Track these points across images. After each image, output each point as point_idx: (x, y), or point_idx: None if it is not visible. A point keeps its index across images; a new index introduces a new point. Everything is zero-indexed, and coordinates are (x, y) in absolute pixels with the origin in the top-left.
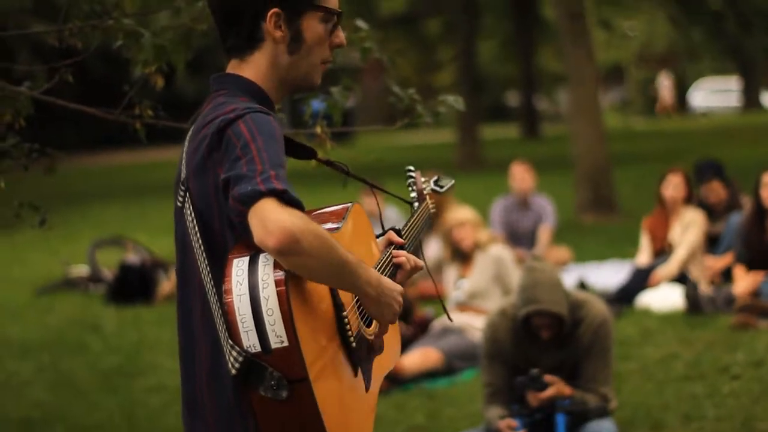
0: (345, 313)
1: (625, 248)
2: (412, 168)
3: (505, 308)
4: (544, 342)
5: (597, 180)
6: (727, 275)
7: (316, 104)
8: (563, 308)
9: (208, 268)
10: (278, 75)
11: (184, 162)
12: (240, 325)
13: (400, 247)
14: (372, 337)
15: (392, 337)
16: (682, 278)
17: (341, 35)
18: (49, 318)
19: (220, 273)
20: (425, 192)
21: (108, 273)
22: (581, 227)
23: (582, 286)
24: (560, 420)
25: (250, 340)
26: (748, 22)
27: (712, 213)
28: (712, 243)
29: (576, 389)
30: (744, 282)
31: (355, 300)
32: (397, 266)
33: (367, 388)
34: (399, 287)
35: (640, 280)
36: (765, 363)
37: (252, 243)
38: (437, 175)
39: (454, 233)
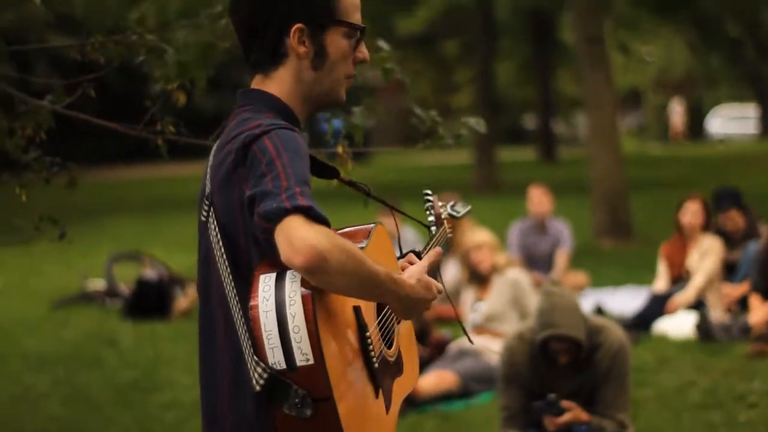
0: (368, 333)
1: (641, 274)
2: (429, 192)
3: (522, 332)
4: (561, 367)
5: (614, 204)
6: (743, 303)
7: (336, 123)
8: (581, 333)
9: (232, 282)
10: (303, 91)
11: (208, 177)
12: (266, 341)
13: None
14: (392, 359)
15: (411, 359)
16: (699, 305)
17: (365, 50)
18: (66, 332)
19: (244, 288)
20: (443, 216)
21: (125, 288)
22: (598, 252)
23: (599, 311)
24: None
25: (275, 357)
26: (766, 49)
27: (730, 241)
28: (729, 271)
29: (593, 415)
30: (760, 311)
31: (377, 321)
32: None
33: (387, 410)
34: (433, 282)
35: (657, 306)
36: None
37: (278, 260)
38: (454, 200)
39: (472, 256)
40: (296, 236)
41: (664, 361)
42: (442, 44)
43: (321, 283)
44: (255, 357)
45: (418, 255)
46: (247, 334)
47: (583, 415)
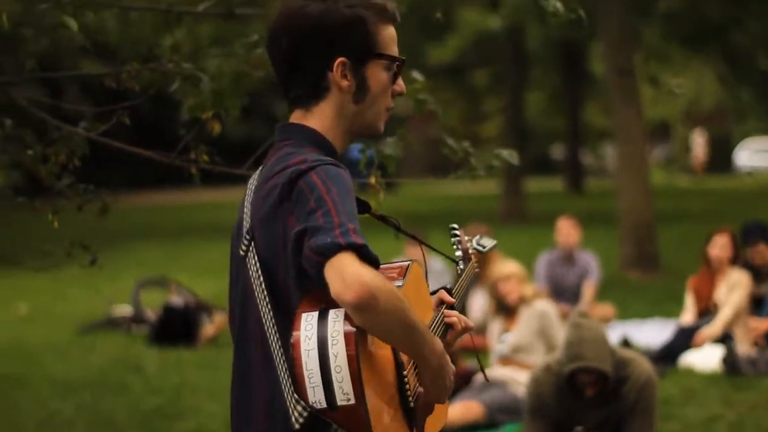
0: (405, 372)
1: (668, 307)
2: (456, 226)
3: (549, 364)
4: (588, 399)
5: (641, 237)
6: None
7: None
8: (608, 365)
9: (271, 316)
10: (343, 124)
11: (248, 211)
12: (307, 380)
13: (450, 306)
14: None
15: None
16: (725, 339)
17: (402, 83)
18: (92, 357)
19: (283, 323)
20: (470, 251)
21: (151, 314)
22: (625, 284)
23: (625, 343)
24: None
25: (316, 396)
26: None
27: (758, 274)
28: (757, 305)
29: None
30: None
31: (412, 360)
32: (448, 326)
33: None
34: (453, 368)
35: (684, 339)
36: None
37: (321, 296)
38: (481, 233)
39: (500, 287)
40: (349, 272)
41: (690, 394)
42: (472, 74)
43: (367, 321)
44: (295, 395)
45: (449, 291)
46: (287, 371)
47: None
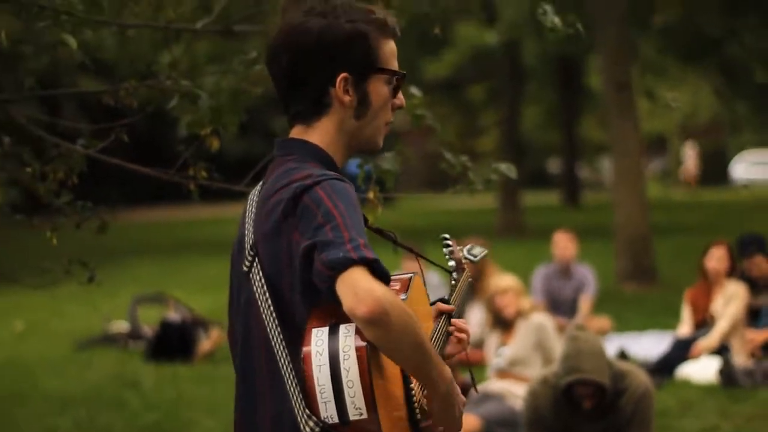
0: (412, 384)
1: (665, 319)
2: (447, 236)
3: (546, 377)
4: (585, 411)
5: (638, 250)
6: (767, 349)
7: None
8: (606, 378)
9: (279, 333)
10: (344, 140)
11: (250, 227)
12: (318, 395)
13: (450, 313)
14: (428, 408)
15: None
16: (722, 351)
17: (401, 97)
18: (88, 373)
19: (290, 337)
20: (463, 261)
21: (148, 330)
22: (621, 297)
23: (622, 356)
24: None
25: (328, 411)
26: None
27: (755, 286)
28: (753, 316)
29: None
30: None
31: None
32: (449, 335)
33: None
34: (463, 399)
35: (681, 351)
36: None
37: (331, 311)
38: (470, 243)
39: (497, 300)
40: (361, 287)
41: (687, 406)
42: (469, 89)
43: (378, 337)
44: (307, 410)
45: (447, 302)
46: (298, 385)
47: None
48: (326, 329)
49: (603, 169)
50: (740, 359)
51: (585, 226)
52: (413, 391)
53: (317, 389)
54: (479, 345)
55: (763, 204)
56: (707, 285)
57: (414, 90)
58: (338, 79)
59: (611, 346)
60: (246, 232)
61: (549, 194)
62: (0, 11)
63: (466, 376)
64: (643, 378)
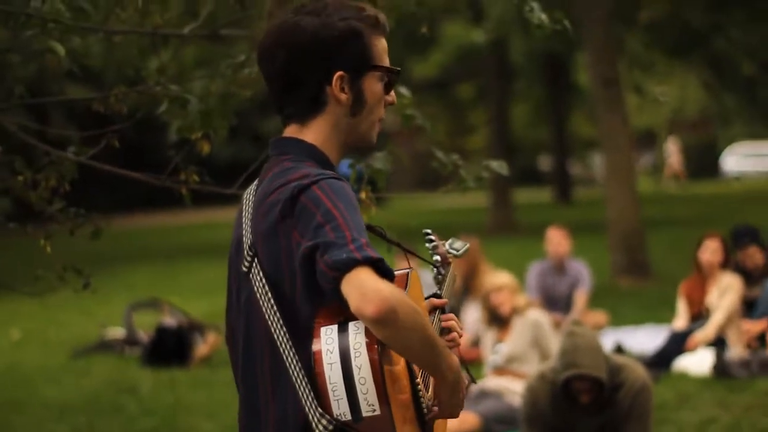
0: (418, 380)
1: (660, 312)
2: (430, 231)
3: (544, 372)
4: (583, 406)
5: (631, 244)
6: (763, 339)
7: (347, 168)
8: (603, 372)
9: (285, 332)
10: (339, 138)
11: (248, 227)
12: (330, 393)
13: (443, 308)
14: (431, 403)
15: None
16: (718, 342)
17: (393, 93)
18: (85, 380)
19: (296, 336)
20: (448, 256)
21: (144, 335)
22: (616, 291)
23: (619, 350)
24: None
25: (340, 409)
26: None
27: (749, 278)
28: (748, 307)
29: None
30: None
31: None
32: (445, 330)
33: None
34: (465, 381)
35: (677, 344)
36: None
37: (338, 310)
38: (451, 238)
39: (493, 298)
40: (368, 286)
41: (684, 398)
42: (457, 88)
43: (387, 335)
44: (319, 409)
45: (438, 297)
46: (307, 385)
47: None
48: (335, 327)
49: (594, 165)
50: (737, 350)
51: (577, 222)
52: (419, 387)
53: (329, 387)
54: (475, 343)
55: (754, 195)
56: (702, 277)
57: (403, 90)
58: (335, 78)
59: (607, 340)
60: (243, 232)
61: (540, 191)
62: None
63: (464, 373)
64: (640, 372)
